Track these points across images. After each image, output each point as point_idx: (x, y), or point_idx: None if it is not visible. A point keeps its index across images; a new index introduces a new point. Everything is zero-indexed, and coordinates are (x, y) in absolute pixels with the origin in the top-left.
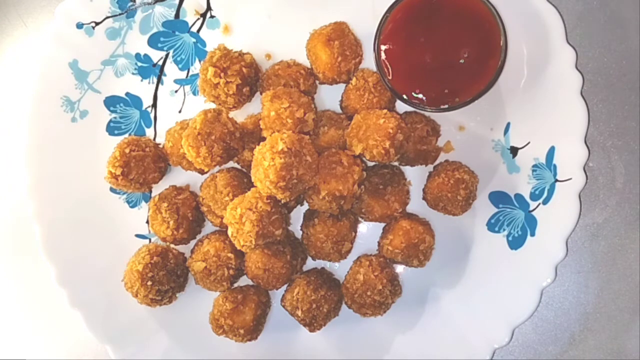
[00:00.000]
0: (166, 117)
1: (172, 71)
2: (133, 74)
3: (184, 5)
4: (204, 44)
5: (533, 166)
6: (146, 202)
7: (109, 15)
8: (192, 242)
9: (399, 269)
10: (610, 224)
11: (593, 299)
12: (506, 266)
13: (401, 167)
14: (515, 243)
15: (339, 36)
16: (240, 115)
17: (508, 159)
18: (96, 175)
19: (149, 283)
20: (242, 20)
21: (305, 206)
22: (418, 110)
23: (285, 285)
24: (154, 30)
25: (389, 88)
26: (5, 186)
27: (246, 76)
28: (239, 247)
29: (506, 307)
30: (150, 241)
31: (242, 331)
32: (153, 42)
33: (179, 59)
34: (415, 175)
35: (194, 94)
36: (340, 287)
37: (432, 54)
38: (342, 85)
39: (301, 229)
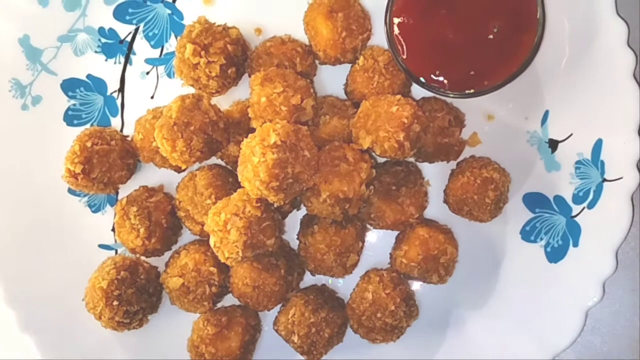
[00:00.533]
0: (136, 104)
1: (142, 49)
2: (96, 52)
3: None
4: (180, 16)
5: (576, 163)
6: (112, 205)
7: None
8: (167, 254)
9: (415, 286)
10: None
11: None
12: (544, 282)
13: (418, 163)
14: (555, 255)
15: (343, 7)
16: (224, 102)
17: (546, 154)
18: (51, 174)
19: (115, 303)
20: None
21: (303, 211)
22: (438, 96)
23: (279, 306)
24: None
25: (403, 69)
26: None
27: (232, 55)
28: (223, 260)
29: (544, 332)
30: (116, 253)
31: None
32: (120, 13)
33: (151, 34)
34: (435, 174)
35: (169, 76)
36: (344, 308)
37: (454, 28)
38: (347, 66)
39: (298, 238)
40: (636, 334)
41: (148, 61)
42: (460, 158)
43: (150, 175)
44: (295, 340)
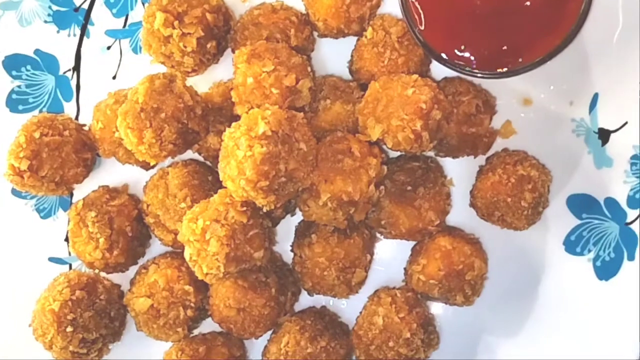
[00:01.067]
0: (94, 85)
1: (103, 18)
2: (46, 22)
3: None
4: None
5: (632, 157)
6: (65, 210)
7: None
8: (133, 269)
9: (436, 308)
10: None
11: None
12: (592, 304)
13: (439, 159)
14: (606, 270)
15: None
16: (203, 83)
17: (595, 146)
18: None
19: (69, 329)
20: None
21: (299, 216)
22: (463, 76)
23: (269, 333)
24: None
25: (420, 43)
26: None
27: (211, 26)
28: (200, 277)
29: None
30: (70, 268)
31: None
32: None
33: (112, 0)
34: (460, 172)
35: (134, 51)
36: (349, 336)
37: None
38: (352, 40)
39: (292, 251)
40: None
41: (109, 33)
42: (491, 152)
43: (111, 173)
44: None
